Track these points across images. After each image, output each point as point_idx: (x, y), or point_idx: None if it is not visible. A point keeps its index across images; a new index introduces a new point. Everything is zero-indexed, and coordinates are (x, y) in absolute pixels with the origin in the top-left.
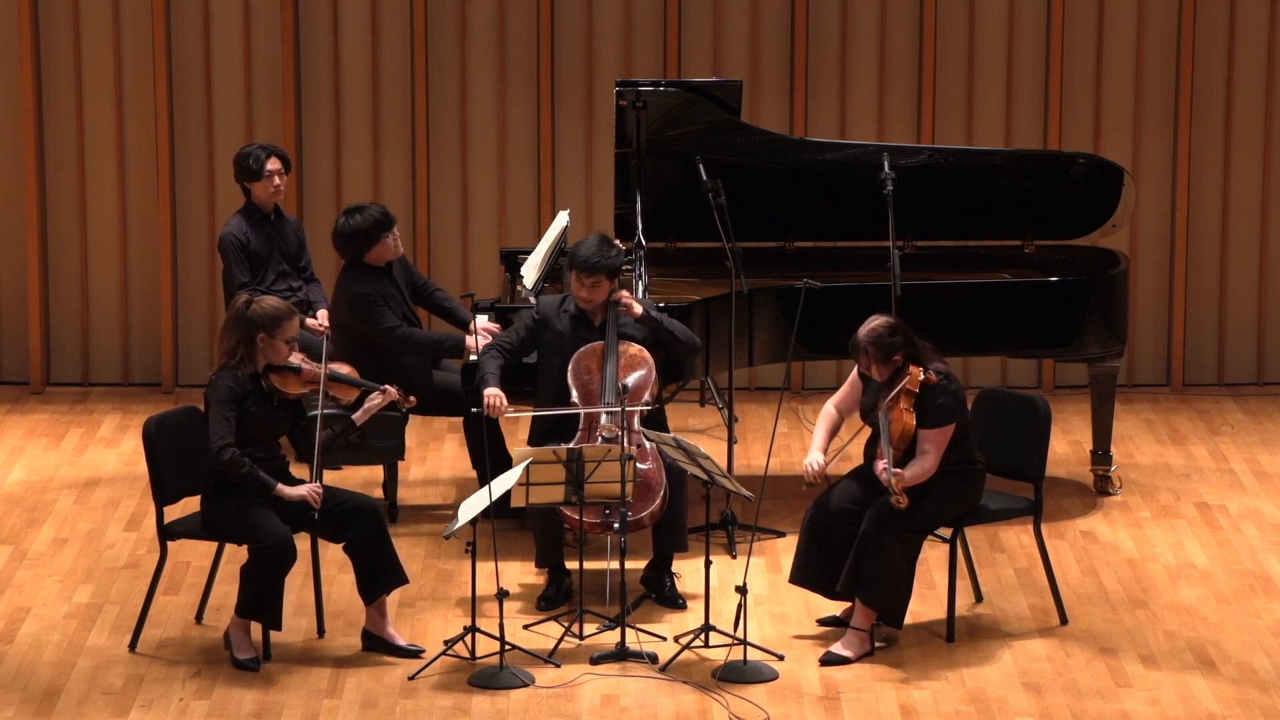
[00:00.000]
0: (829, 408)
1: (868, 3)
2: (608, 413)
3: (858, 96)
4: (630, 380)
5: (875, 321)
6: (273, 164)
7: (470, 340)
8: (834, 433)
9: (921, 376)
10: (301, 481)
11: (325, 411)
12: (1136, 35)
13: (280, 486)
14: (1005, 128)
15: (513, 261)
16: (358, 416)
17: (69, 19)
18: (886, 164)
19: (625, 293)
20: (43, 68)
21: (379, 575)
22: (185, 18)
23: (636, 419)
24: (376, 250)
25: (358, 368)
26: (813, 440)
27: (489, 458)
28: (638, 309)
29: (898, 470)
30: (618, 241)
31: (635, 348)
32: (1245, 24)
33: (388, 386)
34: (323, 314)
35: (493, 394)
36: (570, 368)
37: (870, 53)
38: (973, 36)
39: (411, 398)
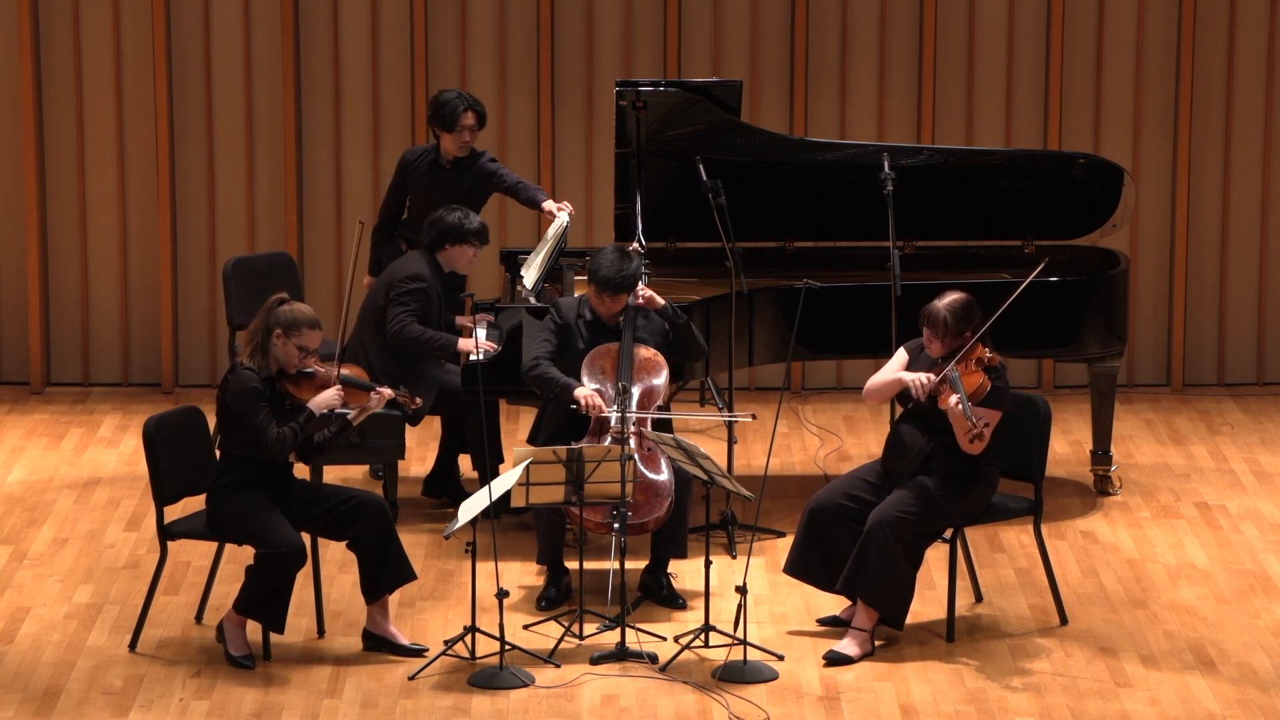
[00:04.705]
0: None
1: (868, 3)
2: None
3: (858, 96)
4: (644, 384)
5: (954, 295)
6: (468, 119)
7: (466, 344)
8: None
9: (988, 355)
10: (302, 481)
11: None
12: (1136, 35)
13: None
14: (1005, 128)
15: (513, 261)
16: (353, 416)
17: (69, 19)
18: (886, 164)
19: (645, 288)
20: (43, 68)
21: (384, 572)
22: (185, 17)
23: (649, 423)
24: (456, 250)
25: (371, 357)
26: (892, 373)
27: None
28: (660, 300)
29: (979, 409)
30: (634, 247)
31: (650, 351)
32: (1245, 24)
33: (383, 389)
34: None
35: (589, 394)
36: (584, 367)
37: (870, 52)
38: (973, 36)
39: (418, 399)
